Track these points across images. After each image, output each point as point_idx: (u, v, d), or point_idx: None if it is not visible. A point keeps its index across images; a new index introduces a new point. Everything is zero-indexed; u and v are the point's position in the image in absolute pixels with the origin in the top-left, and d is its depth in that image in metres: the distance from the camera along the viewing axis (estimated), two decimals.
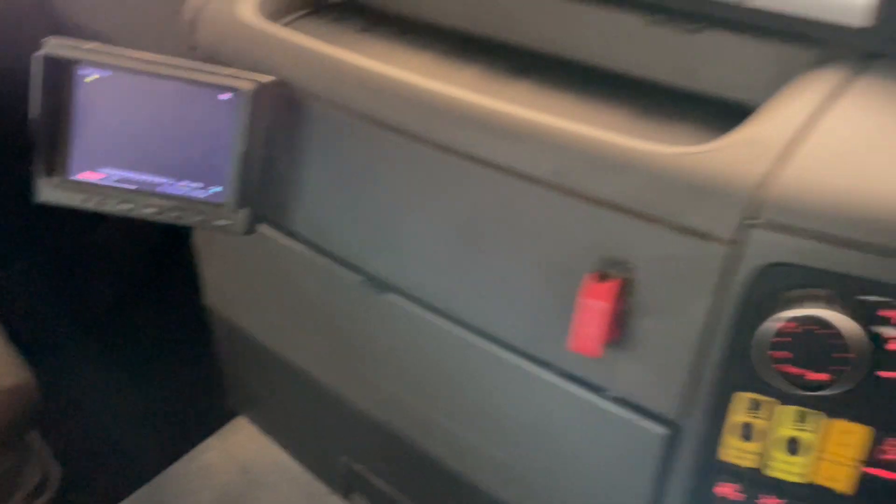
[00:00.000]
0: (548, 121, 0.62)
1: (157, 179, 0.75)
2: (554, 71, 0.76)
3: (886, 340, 0.50)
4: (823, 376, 0.50)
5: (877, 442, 0.53)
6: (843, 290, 0.50)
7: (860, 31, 0.61)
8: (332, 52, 0.74)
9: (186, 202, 0.75)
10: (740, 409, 0.57)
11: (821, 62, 0.62)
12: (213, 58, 0.82)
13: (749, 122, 0.57)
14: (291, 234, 0.83)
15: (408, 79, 0.69)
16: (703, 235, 0.55)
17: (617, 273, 0.59)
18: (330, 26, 0.88)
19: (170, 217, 0.75)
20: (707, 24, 0.68)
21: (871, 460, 0.54)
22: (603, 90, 0.72)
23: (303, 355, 0.93)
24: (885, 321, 0.50)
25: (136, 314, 1.39)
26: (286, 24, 0.87)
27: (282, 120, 0.76)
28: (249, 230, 0.78)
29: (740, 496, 0.59)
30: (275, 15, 0.87)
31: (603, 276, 0.59)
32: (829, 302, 0.50)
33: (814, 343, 0.50)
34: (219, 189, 0.75)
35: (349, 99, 0.72)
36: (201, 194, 0.75)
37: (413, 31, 0.86)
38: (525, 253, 0.65)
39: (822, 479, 0.56)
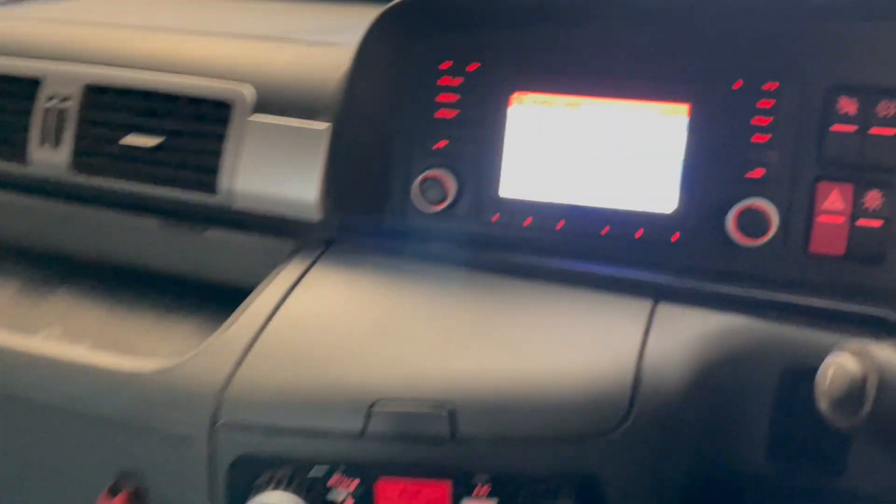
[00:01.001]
0: (51, 350, 0.66)
1: None
2: (90, 274, 0.81)
3: None
4: None
5: None
6: (296, 470, 0.60)
7: (317, 224, 0.73)
8: None
9: None
10: None
11: (294, 251, 0.73)
12: None
13: (221, 328, 0.66)
14: None
15: None
16: (187, 439, 0.62)
17: (130, 484, 0.64)
18: None
19: None
20: (209, 224, 0.77)
21: None
22: (130, 289, 0.78)
23: None
24: (332, 489, 0.60)
25: None
26: None
27: None
28: None
29: None
30: None
31: (115, 490, 0.64)
32: (286, 483, 0.59)
33: None
34: None
35: None
36: None
37: None
38: (61, 475, 0.68)
39: None
